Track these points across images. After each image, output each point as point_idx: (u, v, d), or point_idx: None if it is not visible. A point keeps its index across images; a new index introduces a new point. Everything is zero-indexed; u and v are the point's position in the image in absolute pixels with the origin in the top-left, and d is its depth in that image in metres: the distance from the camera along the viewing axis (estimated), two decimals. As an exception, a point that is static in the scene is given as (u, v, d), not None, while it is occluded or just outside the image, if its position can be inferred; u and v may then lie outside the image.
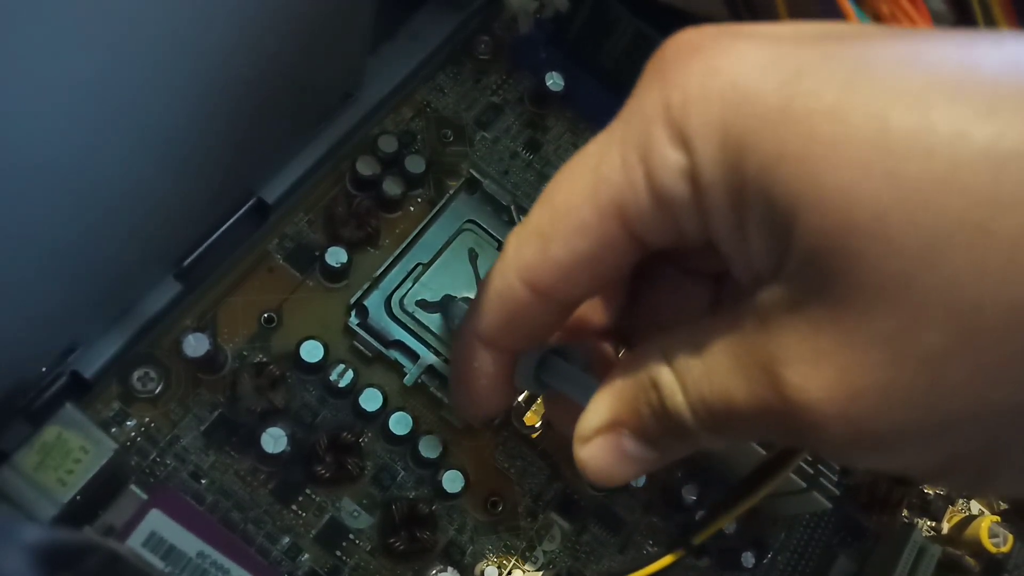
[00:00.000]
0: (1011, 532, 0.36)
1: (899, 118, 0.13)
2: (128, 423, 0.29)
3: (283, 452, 0.28)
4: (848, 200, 0.13)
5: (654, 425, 0.18)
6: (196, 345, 0.28)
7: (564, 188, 0.18)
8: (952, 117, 0.13)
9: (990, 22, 0.24)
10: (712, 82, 0.15)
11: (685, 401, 0.17)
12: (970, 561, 0.36)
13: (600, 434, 0.19)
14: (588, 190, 0.17)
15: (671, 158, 0.16)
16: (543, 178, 0.37)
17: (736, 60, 0.15)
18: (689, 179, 0.16)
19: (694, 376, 0.17)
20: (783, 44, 0.15)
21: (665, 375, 0.17)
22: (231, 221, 0.30)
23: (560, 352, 0.21)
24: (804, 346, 0.14)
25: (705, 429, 0.17)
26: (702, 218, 0.16)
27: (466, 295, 0.32)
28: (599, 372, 0.21)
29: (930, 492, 0.38)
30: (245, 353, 0.31)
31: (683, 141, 0.15)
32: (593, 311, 0.22)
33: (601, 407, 0.19)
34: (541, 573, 0.32)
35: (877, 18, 0.23)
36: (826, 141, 0.13)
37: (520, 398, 0.32)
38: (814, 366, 0.14)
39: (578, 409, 0.19)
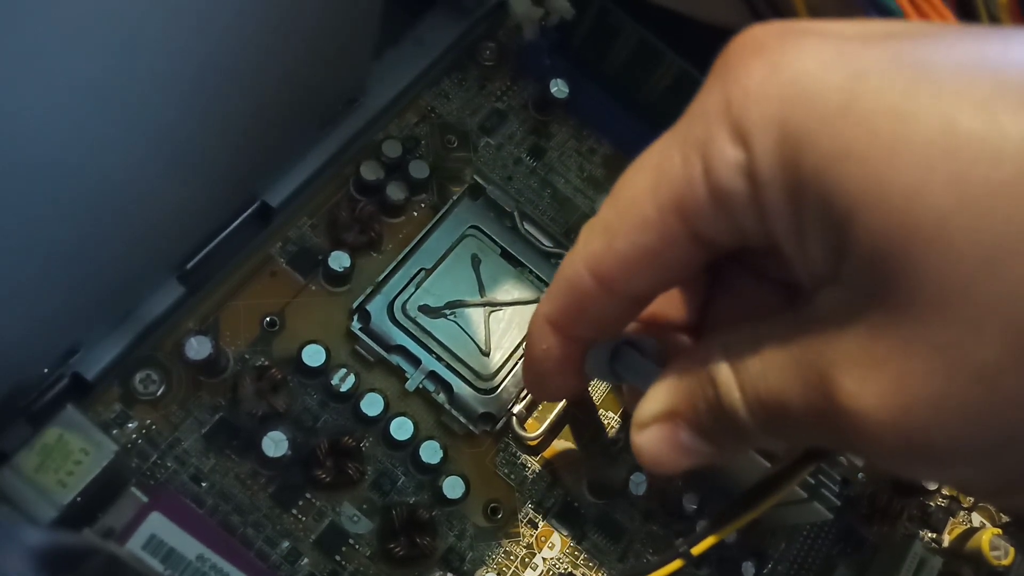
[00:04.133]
0: (1012, 545, 0.36)
1: (966, 121, 0.13)
2: (129, 425, 0.29)
3: (284, 456, 0.28)
4: (911, 202, 0.13)
5: (710, 419, 0.18)
6: (198, 348, 0.28)
7: (628, 184, 0.18)
8: (1022, 122, 0.12)
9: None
10: (773, 79, 0.15)
11: (741, 399, 0.17)
12: (971, 574, 0.36)
13: (657, 422, 0.19)
14: (650, 186, 0.17)
15: (729, 154, 0.16)
16: (546, 184, 0.37)
17: (799, 57, 0.15)
18: (747, 175, 0.16)
19: (751, 374, 0.17)
20: (848, 42, 0.15)
21: (723, 371, 0.18)
22: (235, 224, 0.30)
23: (634, 344, 0.21)
24: (860, 352, 0.14)
25: (759, 428, 0.17)
26: (760, 216, 0.16)
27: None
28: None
29: (931, 504, 0.38)
30: (247, 356, 0.31)
31: (742, 137, 0.15)
32: (671, 307, 0.23)
33: (660, 396, 0.19)
34: (540, 580, 0.32)
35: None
36: (889, 141, 0.13)
37: (520, 406, 0.32)
38: (868, 372, 0.14)
39: (653, 388, 0.20)
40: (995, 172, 0.12)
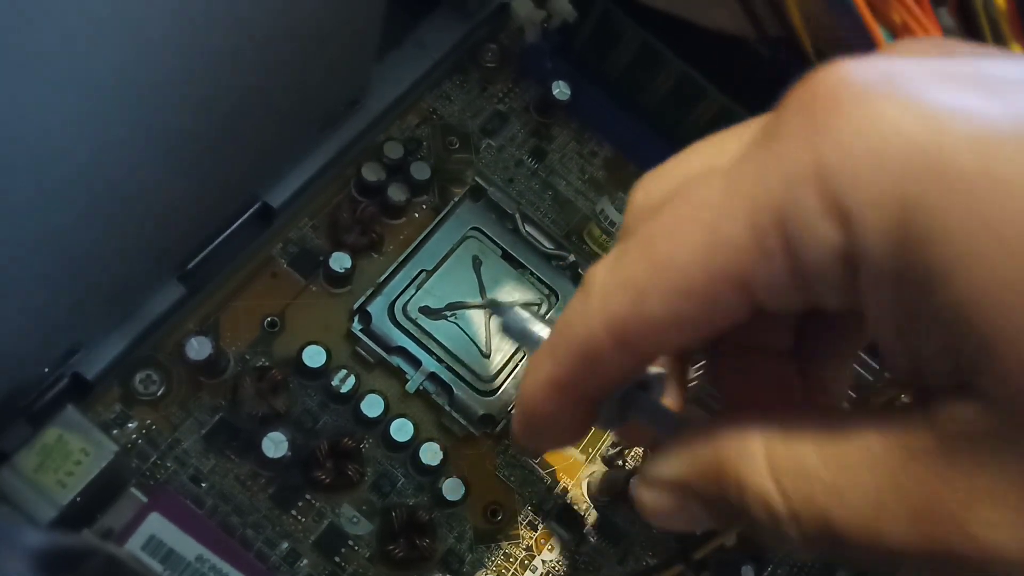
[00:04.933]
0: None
1: None
2: (129, 425, 0.29)
3: (283, 457, 0.28)
4: None
5: (731, 517, 0.16)
6: (198, 348, 0.28)
7: (670, 240, 0.15)
8: None
9: (998, 37, 0.24)
10: (887, 141, 0.12)
11: (789, 515, 0.14)
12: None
13: (668, 488, 0.17)
14: (702, 250, 0.14)
15: (823, 234, 0.13)
16: (547, 186, 0.37)
17: (918, 114, 0.12)
18: (845, 260, 0.13)
19: (816, 490, 0.14)
20: (968, 95, 0.12)
21: (759, 480, 0.15)
22: (236, 225, 0.30)
23: (642, 384, 0.19)
24: (1011, 487, 0.12)
25: (807, 544, 0.14)
26: (851, 301, 0.13)
27: (523, 301, 0.32)
28: (673, 395, 0.20)
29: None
30: (247, 357, 0.31)
31: (841, 214, 0.13)
32: None
33: (676, 465, 0.17)
34: (540, 583, 0.32)
35: (891, 28, 0.23)
36: None
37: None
38: (1017, 511, 0.12)
39: (660, 444, 0.18)
40: None
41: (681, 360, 0.20)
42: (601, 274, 0.16)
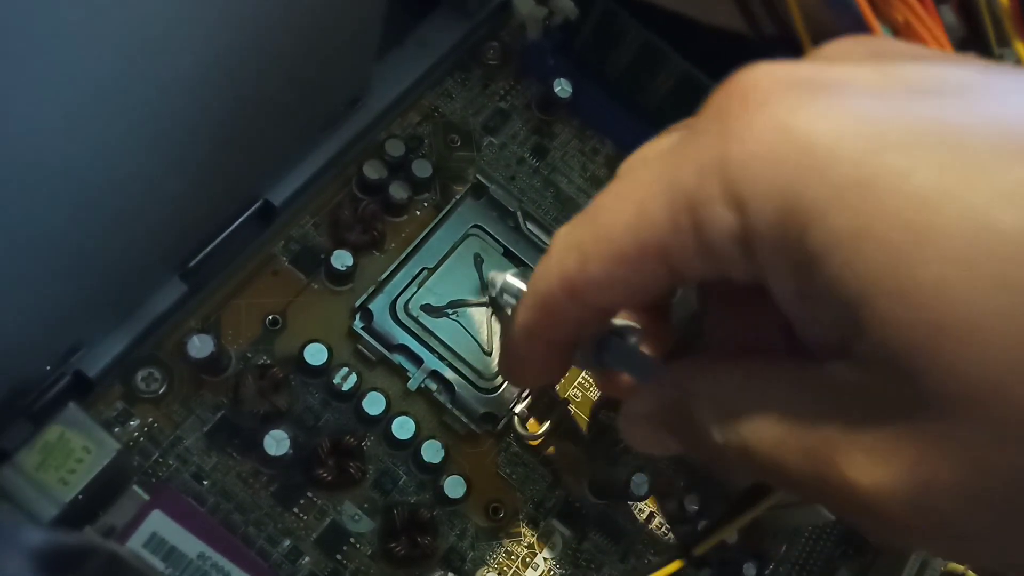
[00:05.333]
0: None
1: (1001, 216, 0.12)
2: (131, 423, 0.29)
3: (285, 455, 0.28)
4: (940, 297, 0.12)
5: (690, 445, 0.19)
6: (200, 346, 0.28)
7: (608, 211, 0.17)
8: None
9: (1001, 36, 0.24)
10: (779, 142, 0.14)
11: (726, 445, 0.17)
12: (972, 576, 0.36)
13: (645, 421, 0.20)
14: (631, 224, 0.17)
15: (722, 218, 0.15)
16: (549, 184, 0.37)
17: (810, 120, 0.14)
18: (741, 242, 0.15)
19: (741, 425, 0.16)
20: (864, 100, 0.14)
21: (704, 414, 0.17)
22: (237, 223, 0.30)
23: (618, 333, 0.22)
24: (879, 437, 0.14)
25: (743, 469, 0.17)
26: (754, 275, 0.15)
27: (515, 270, 0.33)
28: (657, 345, 0.23)
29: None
30: (249, 355, 0.31)
31: (737, 203, 0.14)
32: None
33: (648, 403, 0.20)
34: (541, 581, 0.32)
35: (893, 27, 0.22)
36: (919, 230, 0.12)
37: (522, 406, 0.32)
38: (888, 458, 0.14)
39: (636, 389, 0.21)
40: None
41: (660, 317, 0.23)
42: (561, 236, 0.19)
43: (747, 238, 0.15)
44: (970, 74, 0.14)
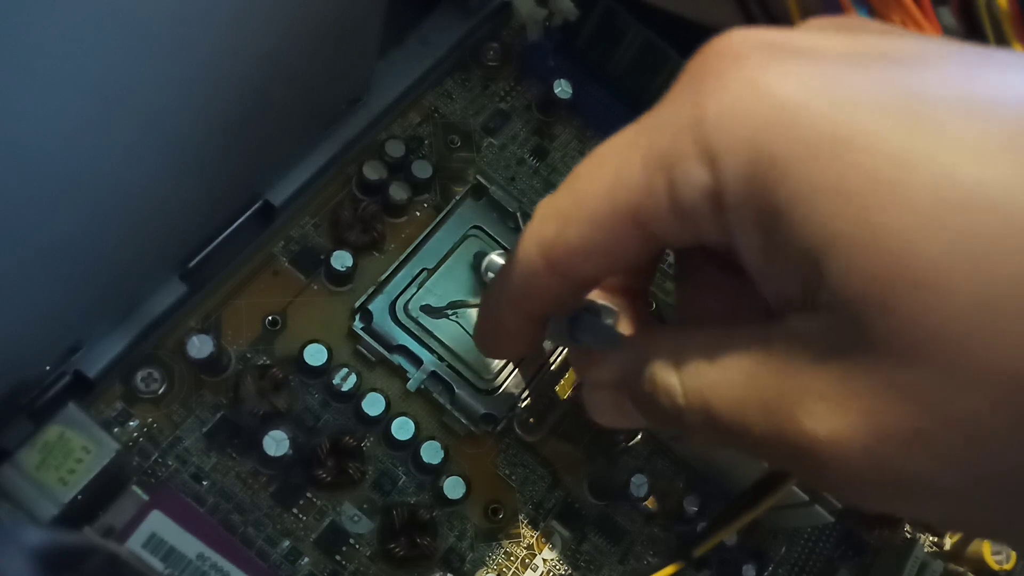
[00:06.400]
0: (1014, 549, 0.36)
1: (965, 169, 0.12)
2: (130, 423, 0.29)
3: (285, 455, 0.28)
4: (904, 247, 0.13)
5: (651, 409, 0.19)
6: (200, 346, 0.28)
7: (586, 177, 0.18)
8: (1016, 172, 0.12)
9: (1000, 37, 0.24)
10: (751, 99, 0.14)
11: (685, 404, 0.17)
12: (972, 578, 0.36)
13: (607, 388, 0.20)
14: (607, 186, 0.17)
15: (694, 175, 0.15)
16: (549, 185, 0.37)
17: (782, 78, 0.14)
18: (712, 198, 0.15)
19: (702, 384, 0.17)
20: (835, 64, 0.14)
21: (666, 375, 0.17)
22: (237, 223, 0.30)
23: (592, 309, 0.22)
24: (835, 385, 0.14)
25: (700, 432, 0.17)
26: (724, 234, 0.16)
27: (502, 252, 0.33)
28: (632, 328, 0.22)
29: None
30: (248, 355, 0.31)
31: (710, 158, 0.15)
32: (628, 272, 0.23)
33: (611, 369, 0.20)
34: (541, 581, 0.32)
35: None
36: (885, 183, 0.13)
37: (521, 407, 0.32)
38: (841, 405, 0.14)
39: (601, 356, 0.21)
40: (995, 224, 0.12)
41: (638, 299, 0.23)
42: (541, 206, 0.19)
43: (719, 193, 0.15)
44: (932, 45, 0.15)
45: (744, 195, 0.15)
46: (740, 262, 0.16)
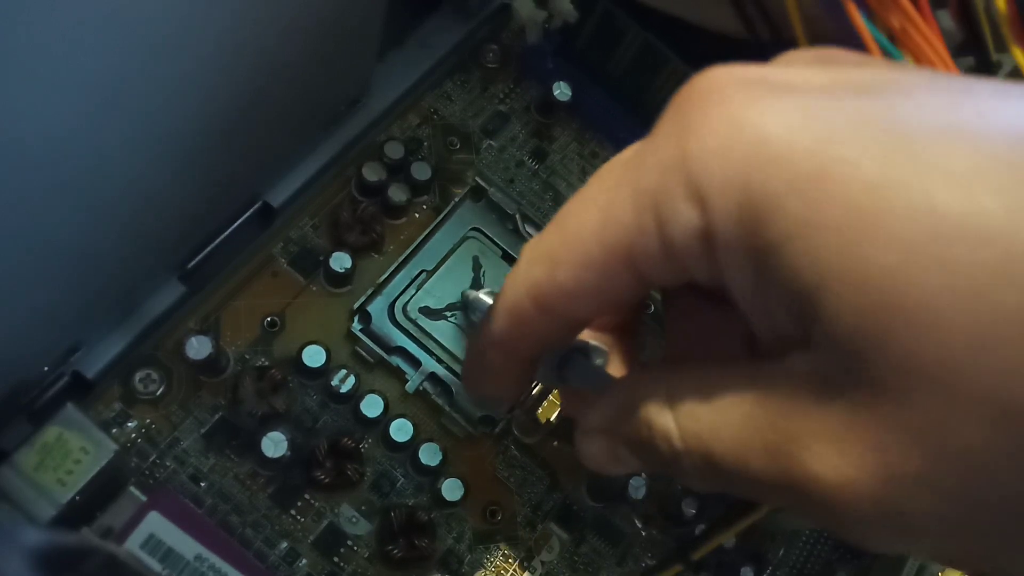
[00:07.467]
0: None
1: (947, 199, 0.12)
2: (129, 424, 0.29)
3: (283, 456, 0.28)
4: (892, 281, 0.13)
5: (646, 454, 0.18)
6: (198, 348, 0.28)
7: (575, 216, 0.17)
8: (1006, 202, 0.12)
9: (999, 41, 0.24)
10: (736, 137, 0.14)
11: (683, 449, 0.17)
12: (970, 580, 0.36)
13: (599, 434, 0.20)
14: (597, 226, 0.17)
15: (684, 214, 0.15)
16: (548, 187, 0.37)
17: (764, 115, 0.14)
18: (702, 238, 0.15)
19: (701, 427, 0.16)
20: (816, 99, 0.14)
21: (662, 419, 0.17)
22: (236, 224, 0.30)
23: (582, 349, 0.22)
24: (838, 426, 0.14)
25: (699, 477, 0.17)
26: (715, 273, 0.16)
27: (488, 289, 0.33)
28: (622, 367, 0.22)
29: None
30: (247, 356, 0.31)
31: (699, 198, 0.15)
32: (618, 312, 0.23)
33: (603, 412, 0.19)
34: (539, 583, 0.32)
35: (889, 33, 0.23)
36: (868, 216, 0.13)
37: (520, 409, 0.32)
38: (848, 447, 0.14)
39: (592, 400, 0.20)
40: (980, 254, 0.12)
41: (628, 339, 0.23)
42: (529, 246, 0.19)
43: (709, 233, 0.15)
44: (912, 75, 0.15)
45: (734, 235, 0.14)
46: (729, 298, 0.16)
